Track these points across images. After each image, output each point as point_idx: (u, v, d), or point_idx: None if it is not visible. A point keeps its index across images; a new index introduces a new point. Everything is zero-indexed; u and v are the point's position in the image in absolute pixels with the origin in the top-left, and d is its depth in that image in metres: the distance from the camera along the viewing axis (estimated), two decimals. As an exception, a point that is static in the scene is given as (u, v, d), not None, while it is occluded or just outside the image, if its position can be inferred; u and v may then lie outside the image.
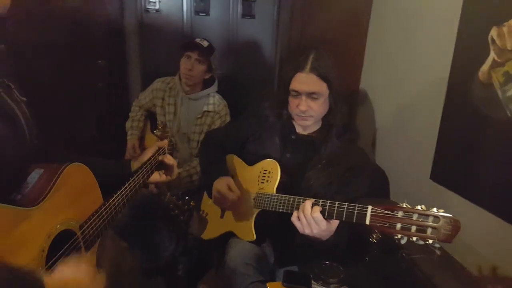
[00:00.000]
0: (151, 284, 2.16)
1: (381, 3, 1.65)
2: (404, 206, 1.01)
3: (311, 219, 1.15)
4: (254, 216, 1.44)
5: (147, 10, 2.45)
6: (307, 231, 1.17)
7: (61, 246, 0.83)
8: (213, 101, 2.07)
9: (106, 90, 2.74)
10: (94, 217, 0.93)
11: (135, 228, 2.01)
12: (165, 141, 1.28)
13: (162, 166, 1.23)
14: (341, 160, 1.40)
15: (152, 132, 2.21)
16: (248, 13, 2.59)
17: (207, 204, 1.68)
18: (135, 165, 1.15)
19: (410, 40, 1.57)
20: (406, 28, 1.58)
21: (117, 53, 2.69)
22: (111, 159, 1.22)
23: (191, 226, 1.82)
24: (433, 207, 0.97)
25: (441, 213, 0.95)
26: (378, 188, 1.49)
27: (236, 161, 1.61)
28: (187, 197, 1.72)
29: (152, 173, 1.19)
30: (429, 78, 1.54)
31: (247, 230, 1.44)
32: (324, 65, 1.36)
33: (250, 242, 1.44)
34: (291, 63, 1.40)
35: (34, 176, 0.83)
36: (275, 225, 1.42)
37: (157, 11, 2.46)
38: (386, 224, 1.03)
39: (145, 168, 1.14)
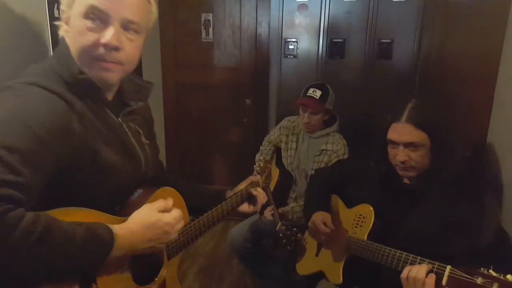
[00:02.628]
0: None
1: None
2: (485, 272, 0.88)
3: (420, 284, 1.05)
4: (344, 259, 1.43)
5: (286, 56, 2.72)
6: None
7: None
8: (332, 140, 2.12)
9: (250, 125, 3.14)
10: (179, 232, 1.07)
11: (254, 253, 2.22)
12: (258, 177, 1.41)
13: (252, 197, 1.37)
14: (445, 214, 1.28)
15: (276, 165, 2.42)
16: (384, 55, 2.58)
17: (308, 240, 1.74)
18: (229, 194, 1.33)
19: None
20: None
21: (261, 94, 3.07)
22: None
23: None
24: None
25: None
26: (494, 252, 1.28)
27: (338, 202, 1.63)
28: (295, 229, 1.81)
29: (242, 202, 1.33)
30: None
31: (336, 272, 1.44)
32: (423, 115, 1.28)
33: (337, 285, 1.43)
34: (390, 112, 1.38)
35: (135, 194, 1.04)
36: (365, 273, 1.38)
37: (294, 56, 2.70)
38: (464, 289, 0.91)
39: (234, 197, 1.30)
